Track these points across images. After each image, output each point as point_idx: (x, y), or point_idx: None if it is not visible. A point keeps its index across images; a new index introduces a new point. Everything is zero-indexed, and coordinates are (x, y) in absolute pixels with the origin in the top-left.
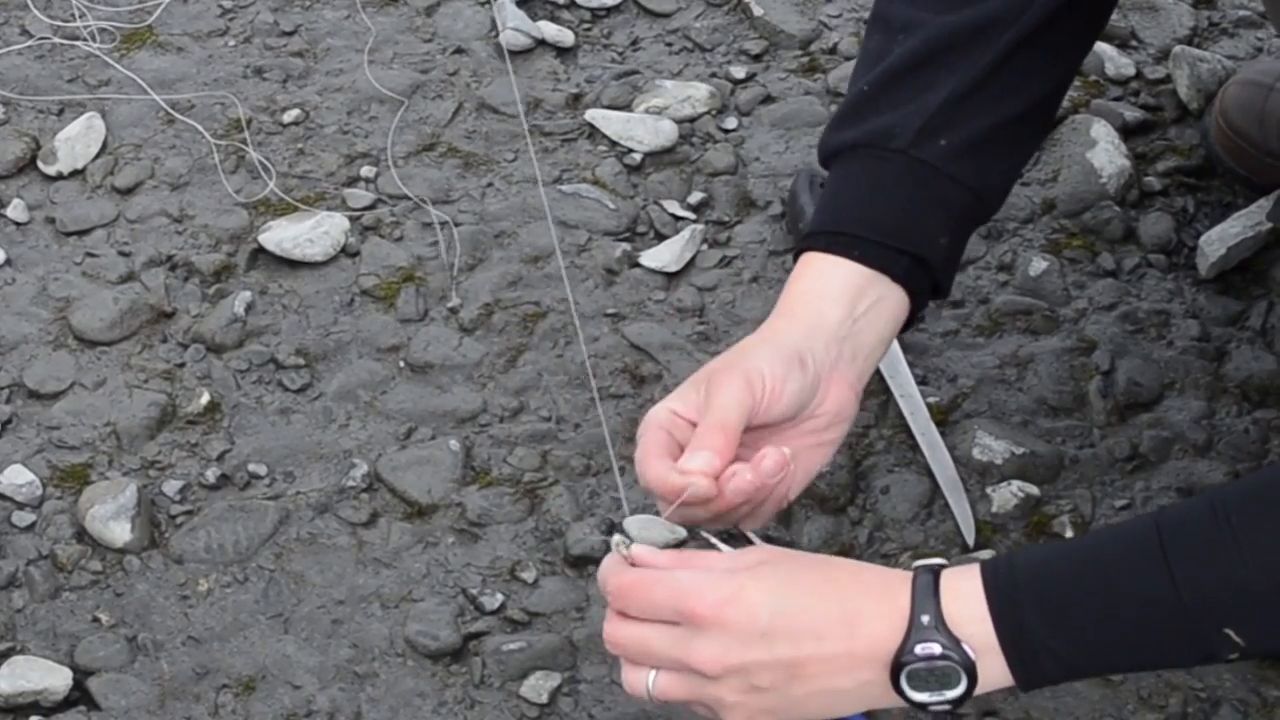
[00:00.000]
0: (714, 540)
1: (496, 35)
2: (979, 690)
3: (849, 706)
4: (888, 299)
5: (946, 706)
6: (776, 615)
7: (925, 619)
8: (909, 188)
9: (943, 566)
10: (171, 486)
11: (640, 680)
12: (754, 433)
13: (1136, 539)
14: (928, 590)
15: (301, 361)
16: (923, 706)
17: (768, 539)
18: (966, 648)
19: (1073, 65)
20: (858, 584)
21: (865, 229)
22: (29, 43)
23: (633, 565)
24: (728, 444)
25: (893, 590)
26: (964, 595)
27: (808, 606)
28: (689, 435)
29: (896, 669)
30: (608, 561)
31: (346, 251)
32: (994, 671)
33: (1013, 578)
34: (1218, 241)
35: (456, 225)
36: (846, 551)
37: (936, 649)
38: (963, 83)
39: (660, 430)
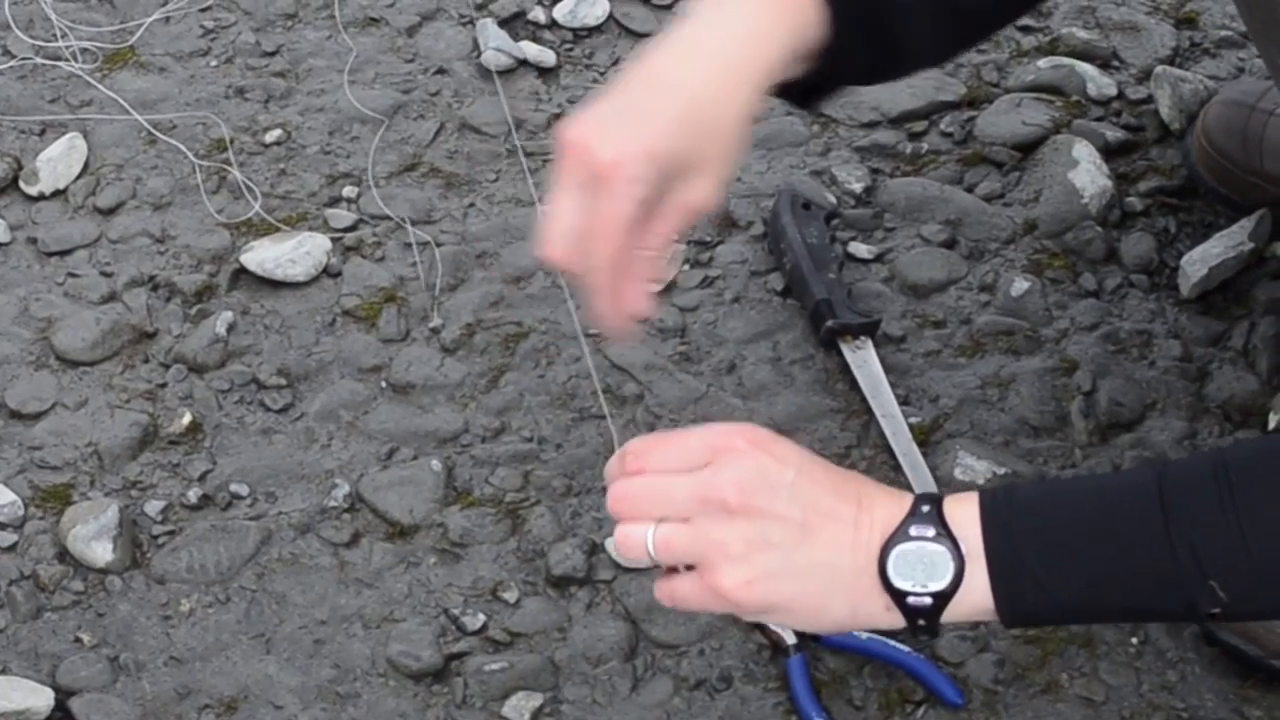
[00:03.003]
0: None
1: (478, 56)
2: (959, 612)
3: (837, 601)
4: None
5: (927, 600)
6: (802, 472)
7: (925, 509)
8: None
9: (943, 496)
10: (153, 507)
11: (638, 537)
12: None
13: (1137, 486)
14: (930, 497)
15: (283, 382)
16: (902, 596)
17: None
18: (961, 543)
19: None
20: (869, 480)
21: None
22: (11, 63)
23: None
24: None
25: (898, 491)
26: (964, 502)
27: (831, 475)
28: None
29: (886, 550)
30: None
31: (328, 272)
32: (977, 587)
33: (1011, 505)
34: (1199, 262)
35: (438, 245)
36: None
37: (930, 531)
38: None
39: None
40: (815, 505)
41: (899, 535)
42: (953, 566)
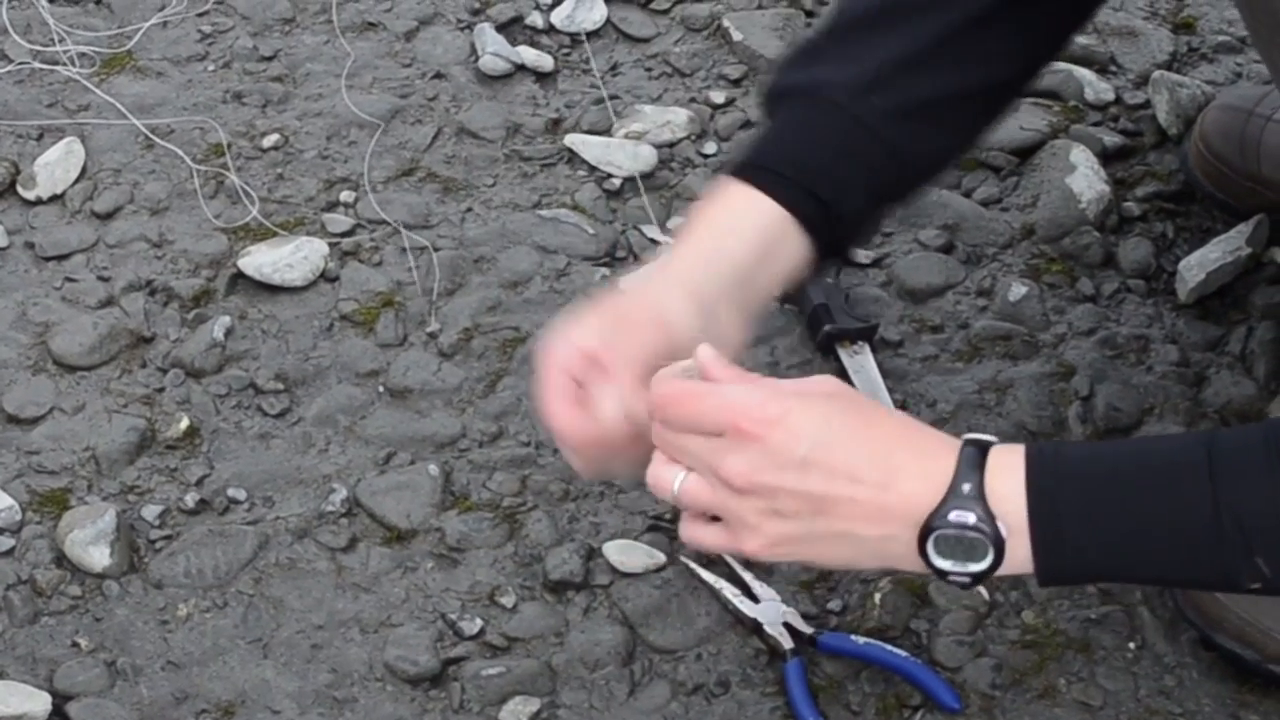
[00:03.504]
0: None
1: (476, 60)
2: (1000, 572)
3: (866, 559)
4: (791, 243)
5: (966, 579)
6: (817, 446)
7: (966, 488)
8: (837, 139)
9: (991, 443)
10: (151, 511)
11: (668, 478)
12: None
13: (1185, 453)
14: (973, 462)
15: (281, 386)
16: (943, 574)
17: (746, 564)
18: (1000, 525)
19: (1038, 57)
20: (904, 439)
21: (785, 167)
22: (8, 68)
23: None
24: (642, 394)
25: (938, 453)
26: (1008, 470)
27: (851, 448)
28: (589, 373)
29: (926, 531)
30: (662, 373)
31: (326, 276)
32: (1019, 554)
33: (1057, 466)
34: (1197, 267)
35: (436, 250)
36: (825, 577)
37: (971, 518)
38: (913, 45)
39: (562, 373)
40: (830, 480)
41: (939, 519)
42: (993, 551)
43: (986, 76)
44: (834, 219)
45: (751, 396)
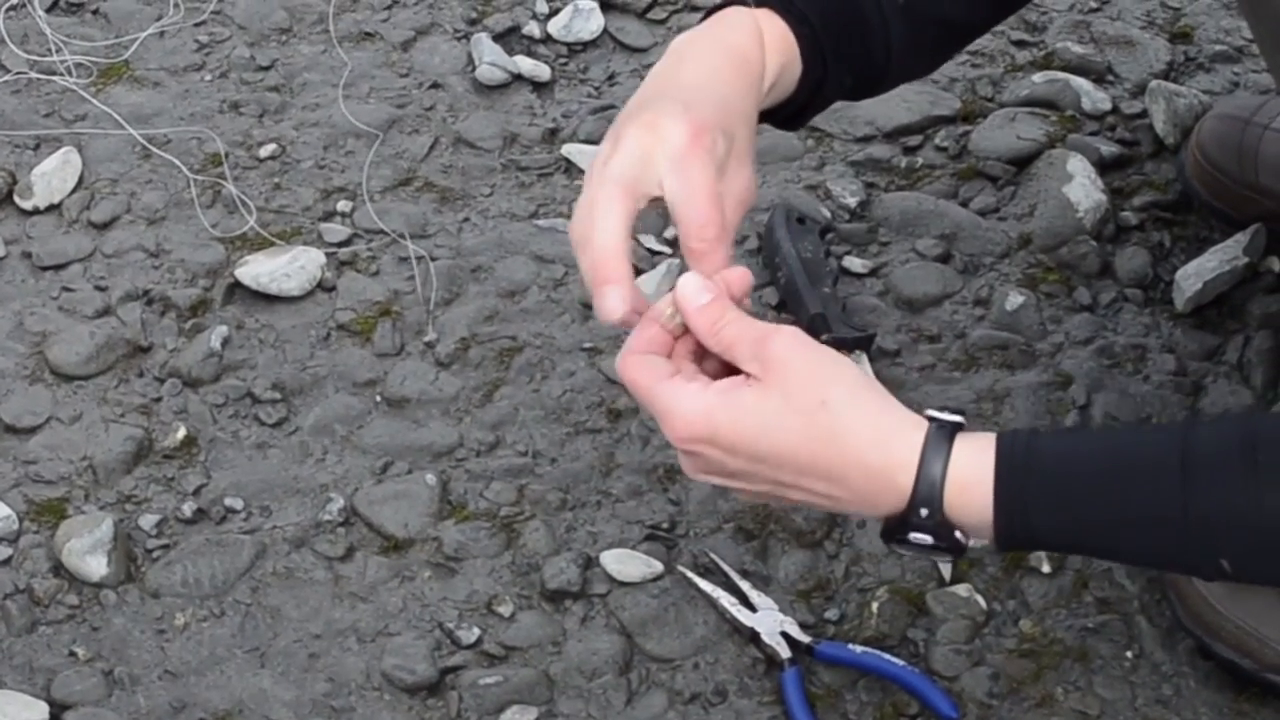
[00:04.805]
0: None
1: (473, 70)
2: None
3: (848, 512)
4: (789, 77)
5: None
6: (754, 460)
7: (924, 512)
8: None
9: (958, 428)
10: (148, 520)
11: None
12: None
13: (1160, 452)
14: (934, 474)
15: (278, 396)
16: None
17: (743, 573)
18: (959, 535)
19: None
20: (857, 462)
21: (812, 13)
22: (5, 77)
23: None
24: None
25: (893, 470)
26: (972, 488)
27: (791, 462)
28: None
29: (886, 535)
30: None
31: (323, 286)
32: (982, 539)
33: (1028, 460)
34: (1194, 276)
35: (433, 260)
36: (823, 586)
37: (928, 540)
38: None
39: (623, 259)
40: (778, 476)
41: (896, 534)
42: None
43: (969, 13)
44: (823, 80)
45: (678, 410)
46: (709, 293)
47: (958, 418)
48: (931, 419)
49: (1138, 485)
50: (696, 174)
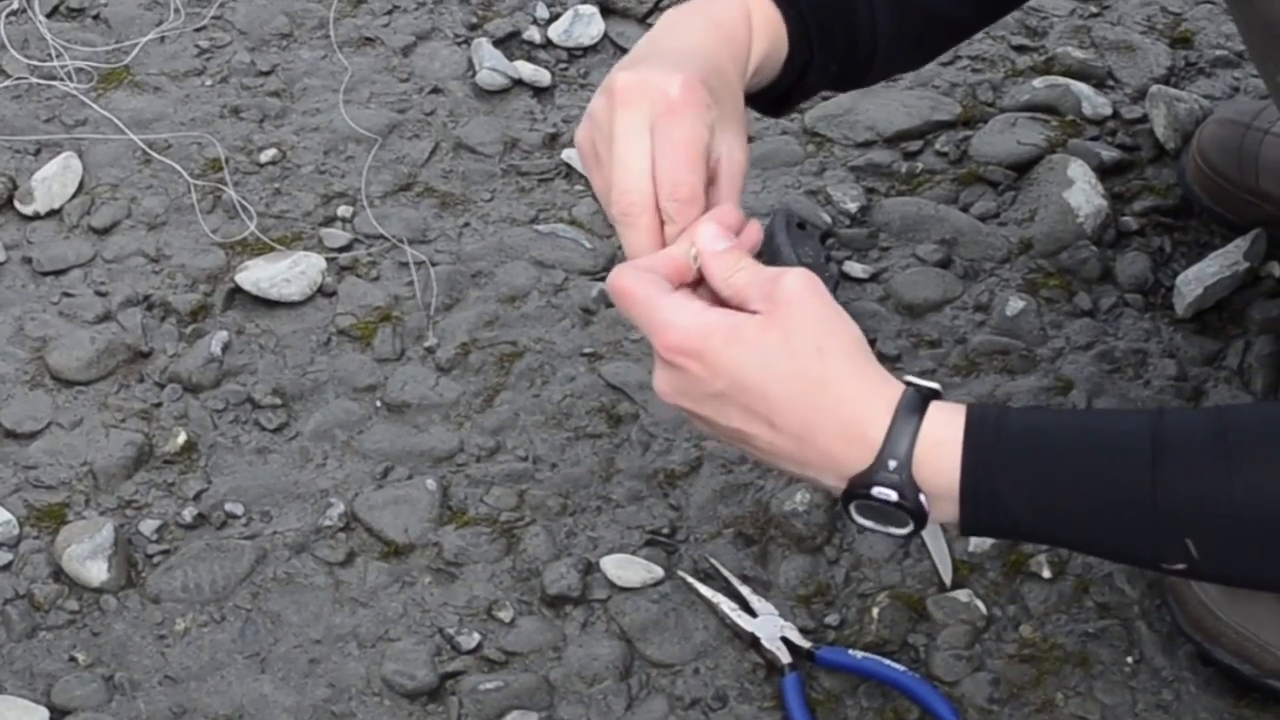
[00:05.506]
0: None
1: (473, 75)
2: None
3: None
4: (774, 62)
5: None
6: (734, 387)
7: (892, 464)
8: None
9: (935, 394)
10: (148, 526)
11: None
12: None
13: (1131, 435)
14: (906, 432)
15: (278, 401)
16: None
17: (744, 578)
18: (923, 498)
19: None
20: (835, 392)
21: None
22: (6, 83)
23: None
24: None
25: (866, 424)
26: (942, 445)
27: (772, 396)
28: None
29: (849, 495)
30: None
31: (323, 291)
32: (945, 514)
33: (998, 439)
34: (1195, 281)
35: (433, 265)
36: (823, 592)
37: (894, 495)
38: None
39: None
40: (748, 418)
41: (861, 488)
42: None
43: (956, 9)
44: (809, 66)
45: (676, 322)
46: (727, 240)
47: (935, 385)
48: (909, 384)
49: (1108, 461)
50: (680, 131)
